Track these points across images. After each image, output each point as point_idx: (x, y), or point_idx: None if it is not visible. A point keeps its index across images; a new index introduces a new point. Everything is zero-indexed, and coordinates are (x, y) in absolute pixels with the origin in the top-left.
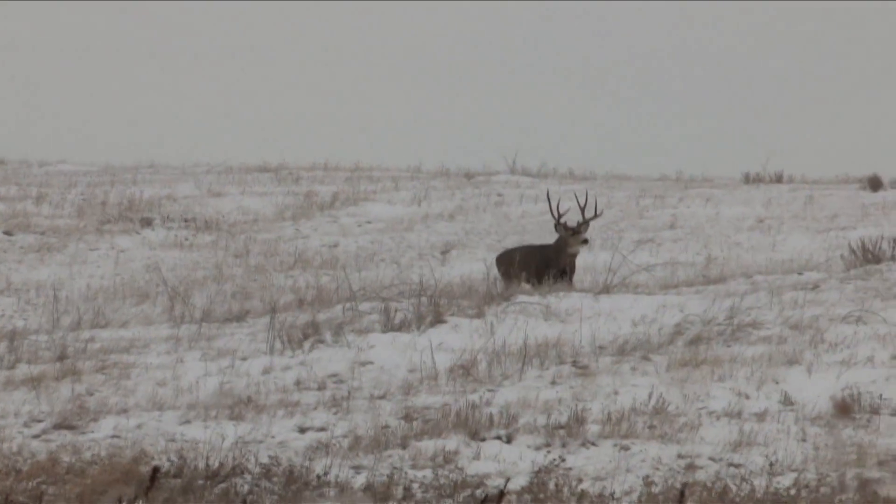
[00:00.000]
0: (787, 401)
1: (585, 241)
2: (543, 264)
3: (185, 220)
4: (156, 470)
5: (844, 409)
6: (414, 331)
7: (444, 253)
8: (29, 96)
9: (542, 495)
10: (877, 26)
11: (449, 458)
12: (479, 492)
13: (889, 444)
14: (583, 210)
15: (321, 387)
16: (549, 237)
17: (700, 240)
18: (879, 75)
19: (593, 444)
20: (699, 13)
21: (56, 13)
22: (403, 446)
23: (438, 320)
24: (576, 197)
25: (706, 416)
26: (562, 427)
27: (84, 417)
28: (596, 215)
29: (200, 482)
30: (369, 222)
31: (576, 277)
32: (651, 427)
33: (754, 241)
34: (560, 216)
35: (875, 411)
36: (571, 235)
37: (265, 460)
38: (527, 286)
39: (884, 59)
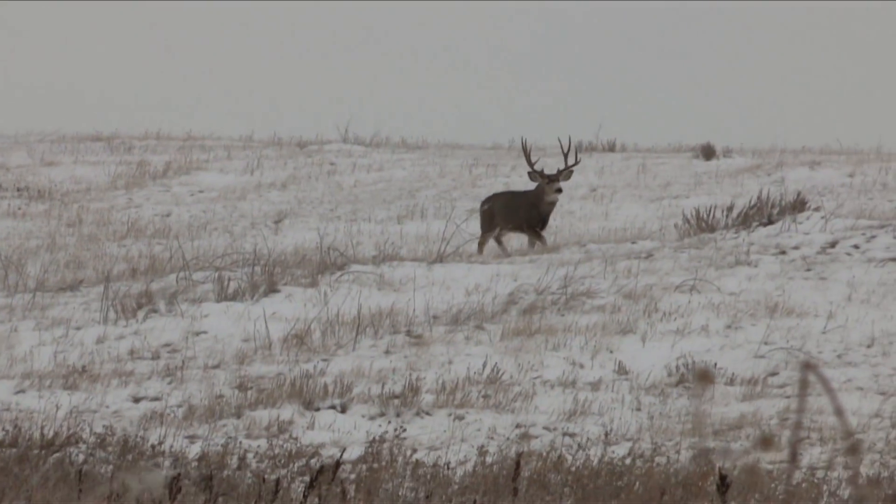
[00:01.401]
0: (621, 370)
1: (560, 190)
2: (528, 213)
3: (18, 190)
4: None
5: (705, 377)
6: (248, 300)
7: (277, 222)
8: None
9: (376, 465)
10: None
11: (283, 427)
12: (314, 461)
13: (724, 413)
14: (566, 156)
15: (155, 356)
16: (381, 206)
17: None
18: (711, 47)
19: (428, 413)
20: None
21: None
22: (238, 416)
23: (272, 290)
24: (559, 141)
25: (540, 385)
26: (396, 397)
27: None
28: (577, 161)
29: (35, 451)
30: (202, 191)
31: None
32: (485, 396)
33: (587, 209)
34: (534, 164)
35: (710, 380)
36: (548, 183)
37: (100, 430)
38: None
39: (715, 30)
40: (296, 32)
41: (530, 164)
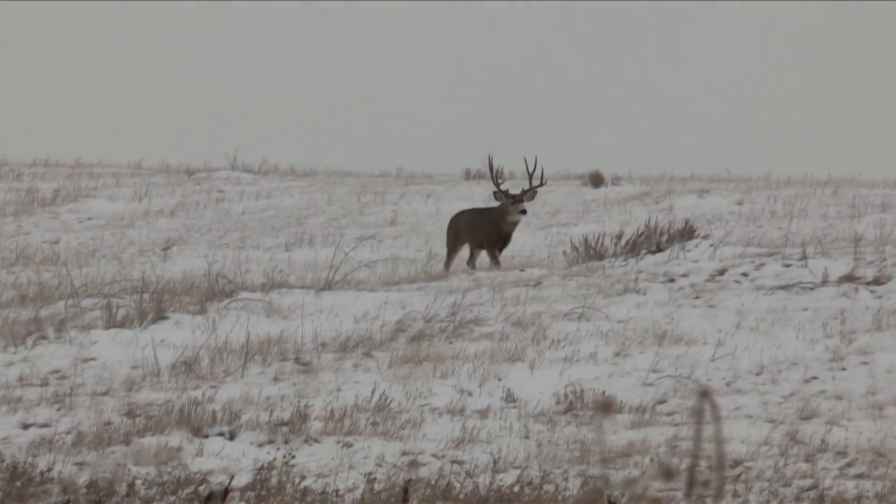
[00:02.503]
0: (509, 397)
1: (524, 212)
2: (489, 231)
3: None
4: None
5: (607, 407)
6: (136, 327)
7: (165, 249)
8: None
9: (265, 492)
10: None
11: (172, 454)
12: (202, 489)
13: (612, 441)
14: (530, 176)
15: (44, 383)
16: (270, 234)
17: (421, 236)
18: (599, 75)
19: (316, 440)
20: (424, 14)
21: None
22: (126, 443)
23: (161, 316)
24: (524, 161)
25: (429, 412)
26: (285, 424)
27: None
28: (542, 183)
29: None
30: (91, 219)
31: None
32: (374, 424)
33: None
34: (500, 184)
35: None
36: (512, 203)
37: None
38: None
39: (604, 58)
40: (184, 60)
41: (496, 183)
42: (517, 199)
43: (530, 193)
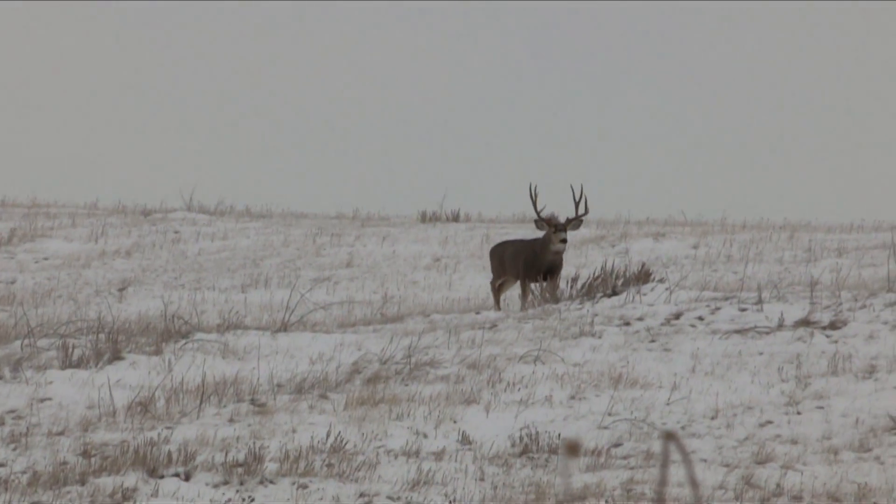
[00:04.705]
0: (465, 440)
1: (564, 241)
2: (528, 262)
3: None
4: None
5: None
6: (92, 368)
7: (121, 290)
8: None
9: None
10: (541, 69)
11: (128, 494)
12: None
13: (567, 484)
14: (576, 205)
15: (0, 423)
16: (226, 275)
17: (377, 278)
18: (551, 117)
19: (271, 482)
20: (379, 56)
21: None
22: (82, 482)
23: (116, 357)
24: (571, 189)
25: (384, 454)
26: (240, 465)
27: None
28: (586, 212)
29: None
30: (47, 259)
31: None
32: (329, 465)
33: (431, 279)
34: (540, 212)
35: (553, 451)
36: (554, 233)
37: None
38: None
39: (556, 99)
40: (138, 98)
41: (537, 211)
42: (559, 228)
43: (575, 223)
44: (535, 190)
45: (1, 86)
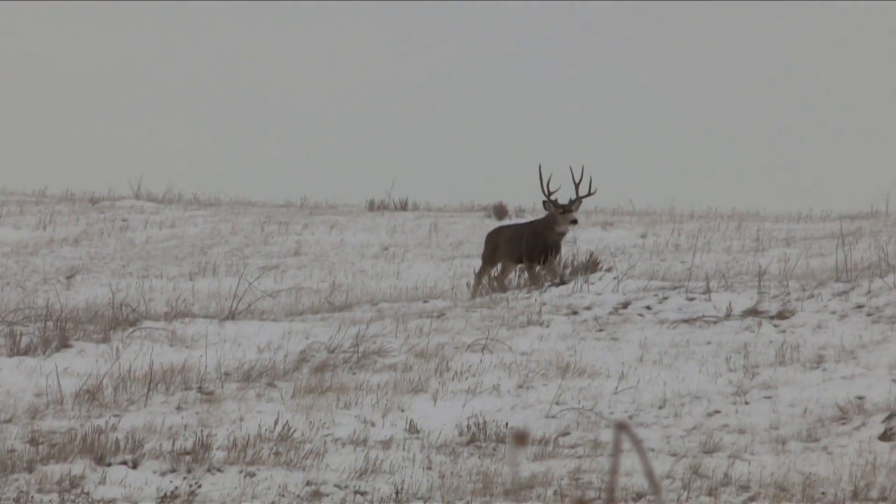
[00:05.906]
0: (412, 429)
1: (575, 221)
2: (530, 243)
3: None
4: None
5: (520, 438)
6: (40, 355)
7: (69, 278)
8: None
9: None
10: (490, 59)
11: (75, 482)
12: None
13: (514, 473)
14: (577, 186)
15: None
16: (174, 263)
17: (325, 266)
18: (501, 106)
19: (219, 470)
20: (326, 46)
21: None
22: (30, 470)
23: (64, 345)
24: (571, 171)
25: (332, 443)
26: (188, 453)
27: None
28: (590, 193)
29: None
30: None
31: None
32: (277, 454)
33: (379, 268)
34: (550, 193)
35: (501, 440)
36: (561, 213)
37: None
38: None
39: (506, 89)
40: (87, 86)
41: (545, 192)
42: (567, 209)
43: (577, 203)
44: (542, 170)
45: None
